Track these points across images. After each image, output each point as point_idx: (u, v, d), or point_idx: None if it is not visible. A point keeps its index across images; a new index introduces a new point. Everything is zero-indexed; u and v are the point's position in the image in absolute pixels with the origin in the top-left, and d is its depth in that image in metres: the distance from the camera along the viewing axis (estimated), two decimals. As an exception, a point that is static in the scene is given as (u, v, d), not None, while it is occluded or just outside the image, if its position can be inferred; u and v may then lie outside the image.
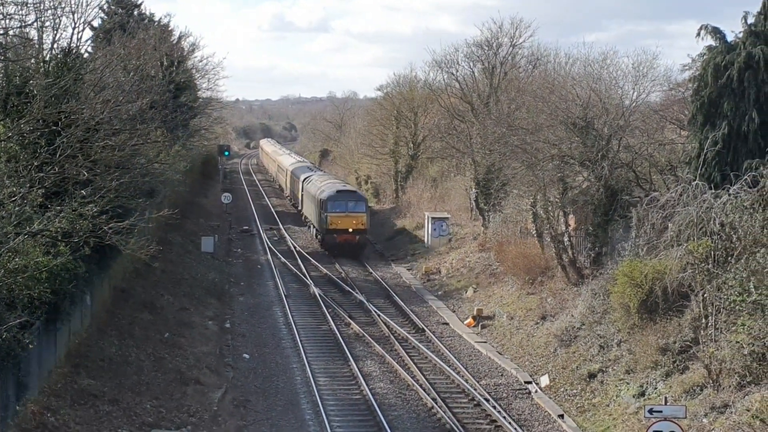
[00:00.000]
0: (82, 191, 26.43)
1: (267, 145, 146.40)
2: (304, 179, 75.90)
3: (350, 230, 61.16)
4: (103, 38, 54.76)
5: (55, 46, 33.23)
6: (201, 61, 76.70)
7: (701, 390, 28.65)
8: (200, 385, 32.48)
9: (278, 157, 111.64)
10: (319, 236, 65.31)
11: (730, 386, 27.64)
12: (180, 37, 71.03)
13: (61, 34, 33.59)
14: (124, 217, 27.63)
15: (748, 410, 24.84)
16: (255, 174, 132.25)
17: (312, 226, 69.64)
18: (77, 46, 34.37)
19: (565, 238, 46.17)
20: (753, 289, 26.60)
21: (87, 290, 32.29)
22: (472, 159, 61.48)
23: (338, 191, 63.27)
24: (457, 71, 72.92)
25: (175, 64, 63.78)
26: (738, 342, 27.86)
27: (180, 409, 29.41)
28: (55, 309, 26.65)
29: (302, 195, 75.68)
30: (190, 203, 73.24)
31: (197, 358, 35.83)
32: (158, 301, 41.79)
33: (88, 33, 50.94)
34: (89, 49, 47.57)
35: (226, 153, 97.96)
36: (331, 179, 73.46)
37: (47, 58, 32.11)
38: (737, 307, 27.61)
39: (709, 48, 40.38)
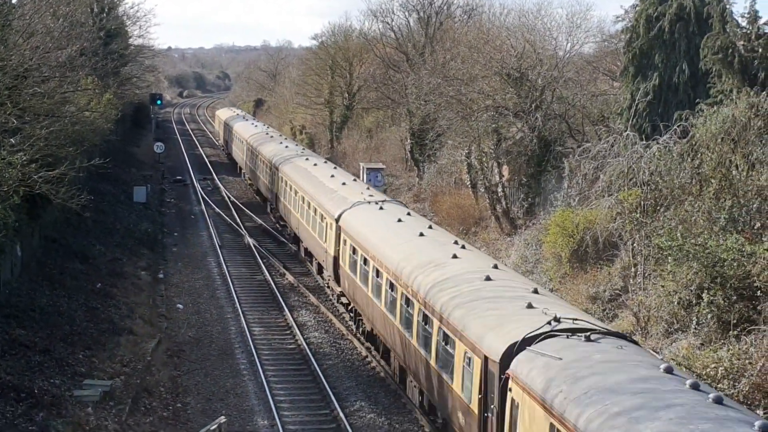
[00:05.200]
0: (11, 139, 25.94)
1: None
2: None
3: None
4: (31, -17, 53.42)
5: (-19, -10, 32.35)
6: (132, 7, 75.69)
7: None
8: (133, 335, 32.30)
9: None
10: None
11: (657, 333, 28.26)
12: (110, -17, 69.62)
13: (-12, -22, 32.68)
14: (55, 166, 27.19)
15: (675, 357, 25.41)
16: (188, 123, 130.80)
17: None
18: (4, -9, 33.48)
19: (499, 189, 46.58)
20: (680, 238, 27.12)
21: (17, 240, 31.82)
22: (407, 110, 61.52)
23: None
24: (393, 21, 72.88)
25: (106, 10, 62.66)
26: (663, 287, 28.44)
27: (113, 360, 29.24)
28: (-16, 259, 26.25)
29: None
30: (122, 152, 72.37)
31: (130, 308, 35.59)
32: (90, 251, 41.34)
33: (15, -22, 49.64)
34: (17, -6, 46.40)
35: (159, 102, 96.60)
36: None
37: (-27, 3, 31.25)
38: (664, 253, 28.14)
39: (642, -1, 40.73)
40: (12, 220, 27.78)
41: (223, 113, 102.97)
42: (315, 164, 48.81)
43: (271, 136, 67.08)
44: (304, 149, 60.73)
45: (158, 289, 40.41)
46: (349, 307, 35.12)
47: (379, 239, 30.40)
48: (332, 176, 43.74)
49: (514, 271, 28.84)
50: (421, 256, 26.78)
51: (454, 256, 25.94)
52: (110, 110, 52.34)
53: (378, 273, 29.14)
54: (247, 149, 69.73)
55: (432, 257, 26.41)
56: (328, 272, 38.15)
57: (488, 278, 23.13)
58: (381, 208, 34.91)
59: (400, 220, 32.20)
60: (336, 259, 35.90)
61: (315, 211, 40.36)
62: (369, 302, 30.53)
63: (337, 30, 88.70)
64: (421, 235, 29.34)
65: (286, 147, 58.82)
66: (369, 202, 36.03)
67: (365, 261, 30.90)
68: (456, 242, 28.67)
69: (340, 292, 36.04)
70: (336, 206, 36.99)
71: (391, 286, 27.60)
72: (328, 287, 39.25)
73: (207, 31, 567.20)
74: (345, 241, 34.29)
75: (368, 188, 41.11)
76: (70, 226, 43.00)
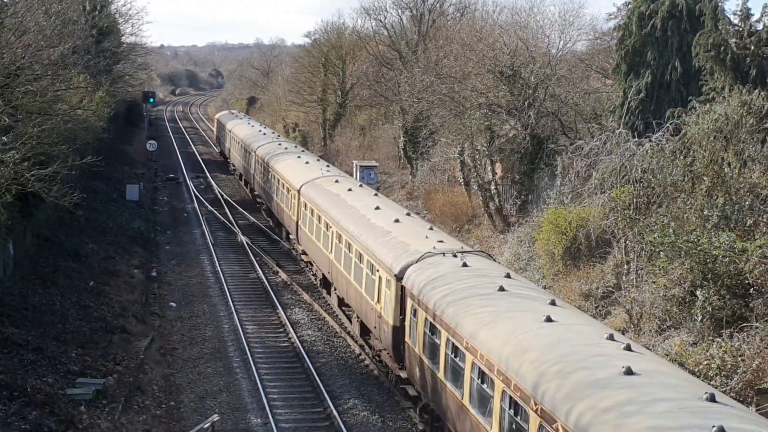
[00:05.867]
0: (3, 138, 25.88)
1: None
2: None
3: None
4: (22, -19, 53.31)
5: (-27, -12, 32.30)
6: (124, 5, 75.50)
7: (623, 334, 29.28)
8: (126, 333, 32.27)
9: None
10: None
11: (650, 330, 28.32)
12: (103, -19, 69.57)
13: (-21, -24, 32.65)
14: (47, 164, 27.15)
15: (668, 354, 25.47)
16: (181, 121, 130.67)
17: None
18: (-4, -11, 33.43)
19: (492, 187, 46.60)
20: (673, 234, 27.19)
21: (9, 238, 31.78)
22: (400, 107, 61.54)
23: None
24: (386, 18, 73.01)
25: (98, 8, 62.56)
26: (656, 284, 28.49)
27: (106, 358, 29.21)
28: (-23, 257, 26.22)
29: None
30: (115, 151, 72.27)
31: (123, 306, 35.55)
32: (82, 250, 41.29)
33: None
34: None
35: (152, 100, 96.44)
36: None
37: (-35, 2, 31.23)
38: (656, 249, 28.21)
39: (634, -3, 40.75)
40: (4, 219, 27.76)
41: (224, 118, 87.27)
42: (350, 189, 38.70)
43: (285, 147, 56.19)
44: (329, 166, 49.15)
45: (151, 288, 40.36)
46: (422, 404, 25.36)
47: (480, 323, 20.32)
48: (377, 208, 33.94)
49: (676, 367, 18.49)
50: (563, 363, 16.98)
51: (629, 372, 15.89)
52: (103, 108, 52.29)
53: (483, 377, 19.54)
54: (249, 155, 60.89)
55: (583, 368, 16.58)
56: (382, 344, 28.80)
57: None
58: (465, 264, 24.85)
59: (502, 289, 21.89)
60: (398, 332, 26.46)
61: (360, 257, 31.01)
62: (466, 416, 20.67)
63: (329, 28, 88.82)
64: (549, 320, 19.17)
65: (307, 163, 48.39)
66: (443, 254, 26.33)
67: (456, 352, 21.34)
68: (612, 337, 18.01)
69: (405, 377, 26.55)
70: (395, 256, 27.45)
71: (513, 406, 17.76)
72: (378, 360, 30.37)
73: (200, 29, 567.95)
74: (415, 311, 24.66)
75: (431, 228, 31.10)
76: (63, 225, 42.93)
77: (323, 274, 38.28)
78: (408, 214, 33.59)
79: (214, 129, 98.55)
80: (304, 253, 42.71)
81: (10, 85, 28.70)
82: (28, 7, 34.17)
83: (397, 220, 31.73)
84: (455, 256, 25.95)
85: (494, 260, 27.96)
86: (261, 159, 55.73)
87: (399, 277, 26.25)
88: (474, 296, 22.01)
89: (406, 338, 25.74)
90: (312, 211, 39.76)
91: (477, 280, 23.32)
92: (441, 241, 28.15)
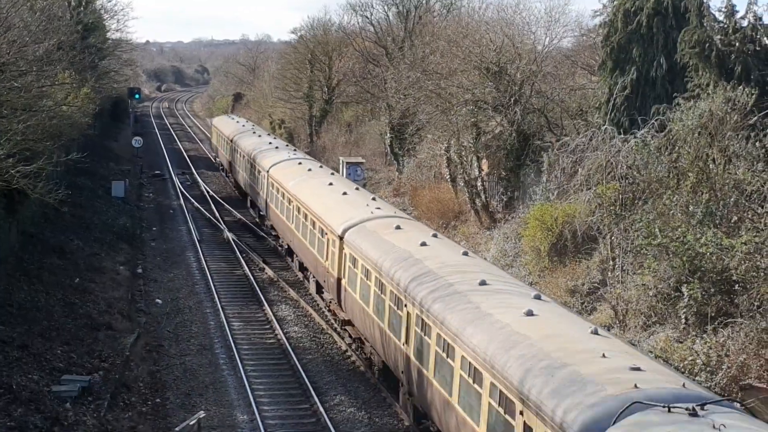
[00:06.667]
0: (-12, 134, 25.80)
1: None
2: None
3: None
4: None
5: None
6: (110, 1, 75.33)
7: (608, 330, 29.36)
8: (112, 330, 32.18)
9: None
10: None
11: (636, 326, 28.40)
12: (88, -23, 69.36)
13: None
14: (32, 160, 27.07)
15: (653, 350, 25.54)
16: (167, 118, 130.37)
17: None
18: (-20, -15, 33.27)
19: (478, 183, 46.63)
20: (658, 232, 27.27)
21: (-6, 235, 31.68)
22: (386, 104, 61.53)
23: None
24: (372, 15, 73.01)
25: (83, 4, 62.40)
26: (643, 283, 28.58)
27: (91, 355, 29.13)
28: (-39, 254, 26.11)
29: None
30: (100, 147, 72.11)
31: (108, 303, 35.45)
32: (68, 246, 41.16)
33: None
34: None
35: (137, 96, 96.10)
36: None
37: (-51, -3, 31.07)
38: (643, 250, 28.31)
39: (620, -7, 40.81)
40: (-11, 215, 27.65)
41: (222, 124, 75.07)
42: (424, 243, 27.06)
43: (309, 169, 44.97)
44: (375, 199, 36.75)
45: (137, 284, 40.27)
46: None
47: None
48: (484, 283, 22.30)
49: None
50: None
51: None
52: (88, 104, 52.13)
53: None
54: (260, 175, 50.23)
55: None
56: None
57: None
58: None
59: None
60: None
61: (475, 376, 19.15)
62: None
63: (316, 24, 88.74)
64: None
65: (345, 194, 37.00)
66: (668, 409, 14.21)
67: None
68: None
69: None
70: (560, 398, 15.66)
71: None
72: None
73: (185, 25, 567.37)
74: None
75: (596, 331, 18.40)
76: (48, 221, 42.79)
77: (383, 362, 27.51)
78: (538, 297, 21.40)
79: (210, 134, 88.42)
80: (350, 323, 31.48)
81: (-6, 81, 28.60)
82: (13, 2, 34.03)
83: (530, 312, 19.64)
84: (693, 414, 14.04)
85: (758, 418, 17.36)
86: (278, 184, 44.74)
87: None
88: None
89: None
90: (367, 273, 28.23)
91: None
92: (637, 369, 15.96)
